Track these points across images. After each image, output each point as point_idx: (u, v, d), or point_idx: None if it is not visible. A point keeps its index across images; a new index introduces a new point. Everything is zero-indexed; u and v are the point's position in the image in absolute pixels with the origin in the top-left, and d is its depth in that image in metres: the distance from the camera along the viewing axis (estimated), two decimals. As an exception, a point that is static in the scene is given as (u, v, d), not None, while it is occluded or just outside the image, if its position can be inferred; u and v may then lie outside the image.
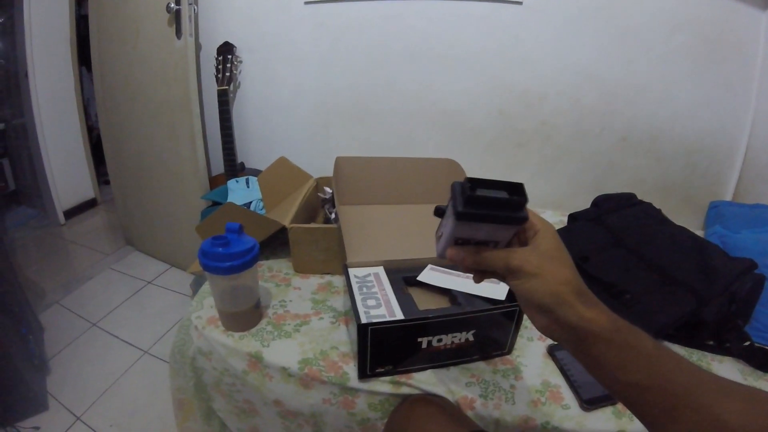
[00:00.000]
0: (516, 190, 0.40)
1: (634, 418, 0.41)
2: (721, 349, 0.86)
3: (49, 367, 1.50)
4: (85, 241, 2.28)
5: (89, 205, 2.58)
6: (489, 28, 1.37)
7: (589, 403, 0.69)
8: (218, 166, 1.69)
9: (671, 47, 1.29)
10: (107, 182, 2.29)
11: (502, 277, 0.45)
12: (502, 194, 0.40)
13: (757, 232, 1.12)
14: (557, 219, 1.32)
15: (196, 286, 1.67)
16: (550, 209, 1.41)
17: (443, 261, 0.60)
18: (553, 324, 0.41)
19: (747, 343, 0.84)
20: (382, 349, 0.69)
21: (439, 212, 0.46)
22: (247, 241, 0.78)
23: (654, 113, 1.38)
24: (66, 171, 2.41)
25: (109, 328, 1.70)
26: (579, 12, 1.30)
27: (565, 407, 0.70)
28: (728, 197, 1.44)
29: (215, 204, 1.58)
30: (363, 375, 0.72)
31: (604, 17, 1.30)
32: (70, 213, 2.49)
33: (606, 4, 1.28)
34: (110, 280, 1.99)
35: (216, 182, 1.71)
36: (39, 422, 1.29)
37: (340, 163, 0.96)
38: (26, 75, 2.14)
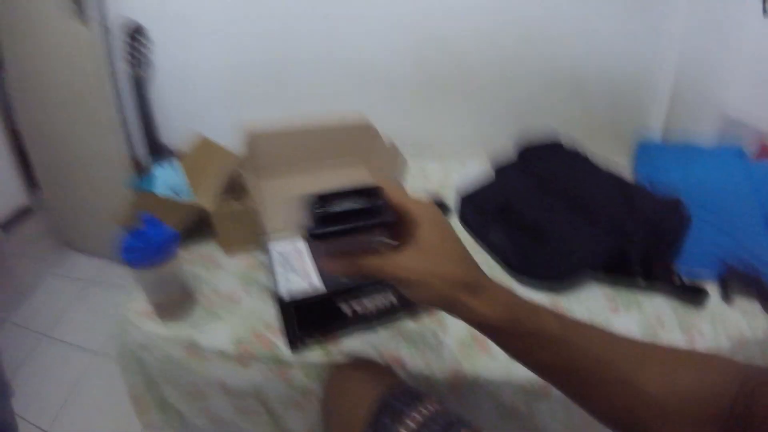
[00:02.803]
0: (373, 194, 0.38)
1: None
2: (649, 285, 0.86)
3: (12, 390, 1.45)
4: (25, 251, 2.17)
5: (24, 213, 2.44)
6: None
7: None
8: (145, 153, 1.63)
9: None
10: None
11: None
12: (356, 204, 0.38)
13: (685, 172, 1.14)
14: (483, 168, 1.27)
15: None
16: (475, 157, 1.34)
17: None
18: (454, 316, 0.41)
19: (678, 280, 0.85)
20: (307, 321, 0.70)
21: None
22: (166, 231, 0.77)
23: (576, 51, 1.36)
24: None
25: (61, 336, 1.66)
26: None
27: (494, 358, 0.72)
28: (656, 131, 1.45)
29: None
30: (294, 348, 0.73)
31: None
32: (7, 225, 2.35)
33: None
34: (55, 286, 1.93)
35: (143, 169, 1.64)
36: (11, 446, 1.26)
37: (251, 136, 0.92)
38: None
